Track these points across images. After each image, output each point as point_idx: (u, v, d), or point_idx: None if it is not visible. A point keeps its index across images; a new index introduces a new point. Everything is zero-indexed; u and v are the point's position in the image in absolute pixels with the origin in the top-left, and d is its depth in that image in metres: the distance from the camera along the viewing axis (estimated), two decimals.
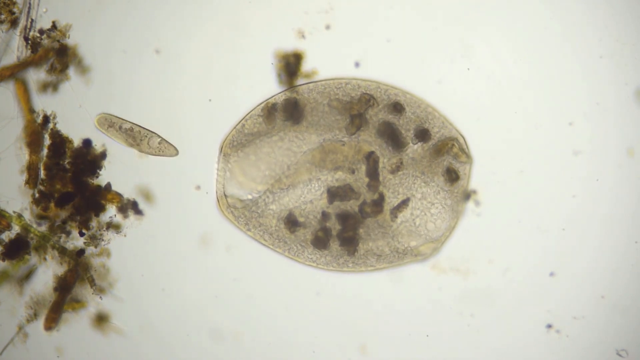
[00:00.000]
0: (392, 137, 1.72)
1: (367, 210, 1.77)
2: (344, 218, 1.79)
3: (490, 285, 1.85)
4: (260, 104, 1.80)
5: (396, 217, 1.76)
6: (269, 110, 1.74)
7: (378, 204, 1.77)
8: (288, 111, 1.75)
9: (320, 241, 1.81)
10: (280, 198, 1.80)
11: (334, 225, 1.80)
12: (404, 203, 1.75)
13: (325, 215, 1.79)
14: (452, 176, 1.77)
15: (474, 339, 1.87)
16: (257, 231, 1.83)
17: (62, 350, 1.90)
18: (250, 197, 1.81)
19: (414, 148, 1.75)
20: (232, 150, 1.80)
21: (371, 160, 1.78)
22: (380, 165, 1.77)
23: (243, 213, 1.81)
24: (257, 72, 1.82)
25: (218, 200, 1.83)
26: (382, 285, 1.87)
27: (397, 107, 1.76)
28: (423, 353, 1.88)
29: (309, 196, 1.80)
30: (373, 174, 1.77)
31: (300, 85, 1.80)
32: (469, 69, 1.80)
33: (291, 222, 1.80)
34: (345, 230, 1.79)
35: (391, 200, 1.79)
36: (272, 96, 1.80)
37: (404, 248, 1.81)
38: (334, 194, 1.78)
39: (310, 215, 1.80)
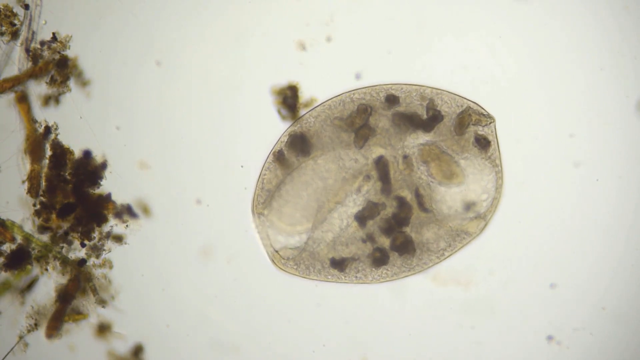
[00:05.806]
0: (410, 120, 1.72)
1: (402, 216, 1.77)
2: (387, 230, 1.79)
3: (490, 296, 1.85)
4: (268, 155, 1.81)
5: (427, 208, 1.76)
6: (278, 158, 1.75)
7: (403, 204, 1.77)
8: (297, 147, 1.76)
9: (380, 260, 1.81)
10: (323, 238, 1.81)
11: (382, 240, 1.81)
12: (417, 195, 1.75)
13: (370, 238, 1.80)
14: (483, 143, 1.76)
15: (475, 350, 1.87)
16: (321, 273, 1.84)
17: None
18: (298, 242, 1.82)
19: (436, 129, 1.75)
20: (263, 208, 1.81)
21: (381, 164, 1.78)
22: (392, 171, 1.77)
23: (298, 261, 1.82)
24: (258, 83, 1.82)
25: (272, 260, 1.84)
26: (383, 297, 1.87)
27: (390, 99, 1.77)
28: None
29: (344, 226, 1.81)
30: (385, 177, 1.77)
31: (301, 116, 1.80)
32: (469, 78, 1.81)
33: (337, 265, 1.81)
34: (395, 239, 1.80)
35: (410, 195, 1.79)
36: (275, 142, 1.81)
37: (454, 229, 1.80)
38: (362, 217, 1.78)
39: (355, 240, 1.81)
